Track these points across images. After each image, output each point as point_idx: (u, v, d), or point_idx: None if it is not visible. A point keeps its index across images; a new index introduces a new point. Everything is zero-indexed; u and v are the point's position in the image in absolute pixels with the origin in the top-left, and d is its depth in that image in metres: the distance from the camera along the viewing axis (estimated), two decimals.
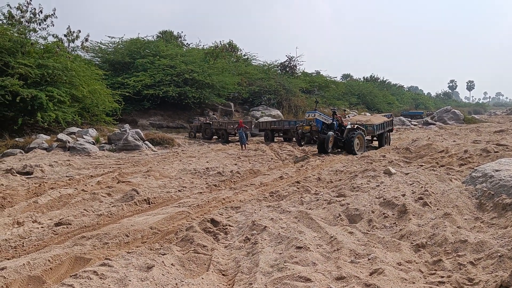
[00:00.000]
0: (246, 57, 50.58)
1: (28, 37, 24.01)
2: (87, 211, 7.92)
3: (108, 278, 4.27)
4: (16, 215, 7.77)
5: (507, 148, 14.05)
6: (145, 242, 6.14)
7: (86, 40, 30.40)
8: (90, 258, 5.22)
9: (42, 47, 24.30)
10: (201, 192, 10.02)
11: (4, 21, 24.29)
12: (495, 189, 6.38)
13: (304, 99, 43.65)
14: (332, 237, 5.37)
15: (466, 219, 5.86)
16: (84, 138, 20.94)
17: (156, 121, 32.41)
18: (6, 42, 21.06)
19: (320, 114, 18.46)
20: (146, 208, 8.45)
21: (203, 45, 44.65)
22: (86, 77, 24.79)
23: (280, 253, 5.00)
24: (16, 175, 12.22)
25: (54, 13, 26.25)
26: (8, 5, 24.43)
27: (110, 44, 35.91)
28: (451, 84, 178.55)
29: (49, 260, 5.10)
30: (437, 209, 6.24)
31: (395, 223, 5.98)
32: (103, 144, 21.19)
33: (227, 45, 47.68)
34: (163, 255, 5.12)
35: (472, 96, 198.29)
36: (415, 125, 43.14)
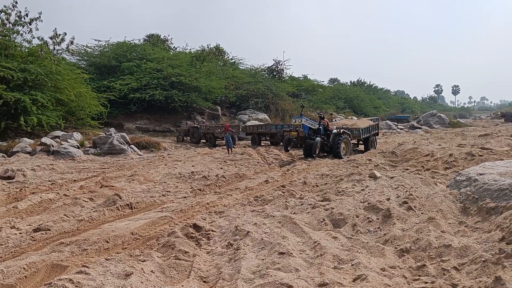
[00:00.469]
0: (233, 61, 50.54)
1: (12, 40, 23.71)
2: (67, 216, 7.75)
3: (84, 287, 4.13)
4: None
5: (491, 151, 14.12)
6: (126, 248, 6.00)
7: (72, 43, 30.08)
8: (67, 265, 5.08)
9: (26, 50, 24.00)
10: (185, 197, 9.88)
11: None
12: (479, 193, 6.35)
13: (291, 103, 43.69)
14: (315, 242, 5.29)
15: (450, 223, 5.82)
16: (68, 142, 20.68)
17: (143, 124, 32.18)
18: None
19: (307, 120, 18.45)
20: (129, 213, 8.30)
21: (190, 49, 44.56)
22: (71, 80, 24.52)
23: (263, 259, 4.91)
24: None
25: (39, 16, 25.95)
26: None
27: (96, 48, 35.70)
28: (436, 88, 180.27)
29: (24, 268, 4.95)
30: (421, 213, 6.20)
31: (379, 227, 5.91)
32: (88, 148, 20.94)
33: (214, 49, 47.60)
34: (143, 261, 5.00)
35: (458, 101, 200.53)
36: (401, 129, 43.40)
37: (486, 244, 4.70)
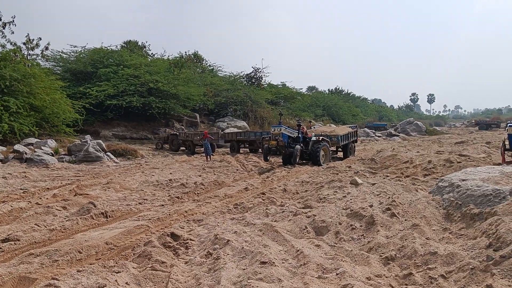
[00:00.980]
0: (211, 68, 50.30)
1: None
2: (38, 226, 7.41)
3: None
4: None
5: (469, 158, 14.22)
6: (99, 258, 5.72)
7: (47, 48, 29.51)
8: (36, 278, 4.78)
9: None
10: (162, 205, 9.61)
11: None
12: (463, 199, 6.27)
13: (270, 111, 43.58)
14: (298, 250, 5.11)
15: (434, 230, 5.71)
16: (42, 150, 20.13)
17: (120, 132, 31.63)
18: None
19: (286, 128, 18.34)
20: (103, 222, 8.00)
21: (168, 56, 44.15)
22: (45, 86, 23.95)
23: (244, 269, 4.71)
24: None
25: (13, 20, 25.39)
26: None
27: (72, 53, 34.99)
28: (412, 97, 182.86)
29: None
30: (405, 220, 6.08)
31: (363, 235, 5.77)
32: (62, 156, 20.42)
33: (192, 56, 47.31)
34: (117, 273, 4.75)
35: (433, 109, 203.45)
36: (379, 136, 43.71)
37: (472, 251, 4.58)
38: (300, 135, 18.36)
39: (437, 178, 11.60)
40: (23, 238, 6.61)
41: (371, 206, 6.71)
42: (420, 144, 27.89)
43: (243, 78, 49.78)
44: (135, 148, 24.58)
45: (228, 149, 27.49)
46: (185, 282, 4.69)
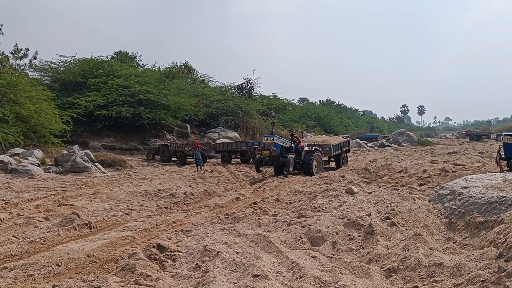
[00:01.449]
0: (203, 78, 50.00)
1: None
2: (17, 237, 6.98)
3: None
4: None
5: (464, 167, 13.98)
6: (80, 272, 5.33)
7: (35, 58, 29.07)
8: None
9: None
10: (150, 215, 9.22)
11: None
12: (466, 207, 5.96)
13: (262, 121, 43.30)
14: (293, 262, 4.75)
15: (437, 239, 5.38)
16: (28, 160, 19.64)
17: (109, 142, 31.10)
18: None
19: (279, 138, 17.95)
20: (87, 233, 7.59)
21: (159, 66, 43.79)
22: (31, 96, 23.49)
23: (235, 283, 4.34)
24: None
25: (0, 29, 24.97)
26: None
27: (61, 63, 34.50)
28: (403, 108, 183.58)
29: None
30: (406, 229, 5.75)
31: (361, 245, 5.42)
32: (49, 166, 19.93)
33: (183, 66, 47.02)
34: None
35: (423, 121, 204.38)
36: (371, 147, 43.56)
37: (481, 262, 4.26)
38: (293, 145, 18.01)
39: (433, 188, 11.36)
40: None
41: (369, 215, 6.37)
42: (413, 155, 27.71)
43: (235, 89, 49.51)
44: (124, 159, 24.11)
45: (219, 159, 27.09)
46: None
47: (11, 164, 18.13)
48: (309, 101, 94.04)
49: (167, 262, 5.48)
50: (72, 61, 34.78)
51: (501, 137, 15.64)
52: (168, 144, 27.66)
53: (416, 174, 13.60)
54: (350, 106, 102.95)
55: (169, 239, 6.56)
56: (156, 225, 7.78)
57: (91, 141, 30.34)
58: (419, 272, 4.29)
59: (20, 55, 27.92)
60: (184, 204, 10.69)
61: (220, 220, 8.18)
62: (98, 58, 35.74)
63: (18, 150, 21.09)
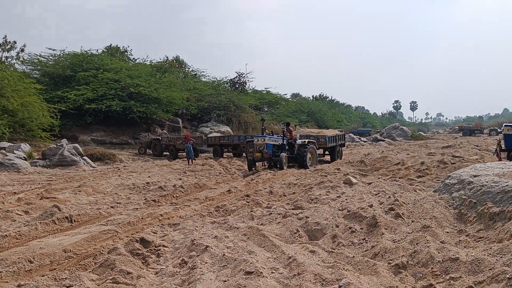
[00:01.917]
0: (194, 73, 49.36)
1: None
2: None
3: None
4: None
5: (463, 159, 13.59)
6: (54, 269, 4.83)
7: (22, 50, 28.35)
8: None
9: None
10: (136, 208, 8.70)
11: None
12: (477, 196, 5.50)
13: (254, 116, 42.78)
14: (290, 257, 4.26)
15: (448, 232, 4.92)
16: (15, 154, 19.09)
17: (99, 136, 30.50)
18: None
19: (270, 137, 17.28)
20: (67, 227, 7.07)
21: (151, 60, 43.11)
22: (18, 89, 22.87)
23: (225, 281, 3.86)
24: None
25: None
26: None
27: (50, 57, 33.79)
28: (395, 104, 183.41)
29: None
30: (412, 221, 5.28)
31: (364, 238, 4.95)
32: (36, 160, 19.39)
33: (174, 61, 46.37)
34: (68, 287, 3.85)
35: (415, 116, 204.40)
36: (364, 141, 43.21)
37: (502, 257, 3.79)
38: (285, 141, 17.35)
39: (433, 179, 10.94)
40: None
41: (371, 206, 5.89)
42: (407, 149, 27.31)
43: (227, 83, 48.91)
44: (114, 153, 23.56)
45: (211, 154, 26.59)
46: None
47: None
48: (302, 96, 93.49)
49: (151, 257, 4.99)
50: (61, 54, 34.12)
51: (502, 128, 15.28)
52: (160, 138, 27.16)
53: (413, 166, 13.19)
54: (343, 101, 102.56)
55: (154, 233, 6.06)
56: (142, 218, 7.27)
57: (81, 135, 29.74)
58: (432, 268, 3.82)
59: (7, 47, 27.16)
60: (173, 197, 10.19)
61: (210, 213, 7.69)
62: (88, 52, 35.09)
63: (5, 144, 20.53)
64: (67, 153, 19.34)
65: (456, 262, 3.79)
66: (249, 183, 12.12)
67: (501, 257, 3.78)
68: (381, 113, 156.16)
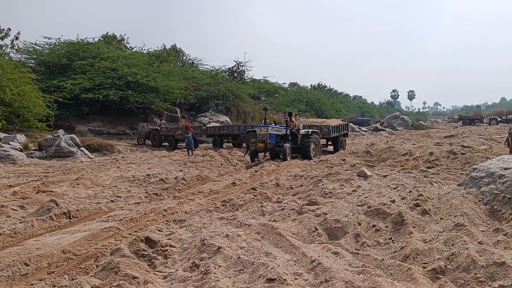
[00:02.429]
0: (192, 61, 48.72)
1: None
2: None
3: None
4: None
5: (473, 149, 13.19)
6: (52, 272, 4.41)
7: (17, 38, 27.72)
8: None
9: None
10: (138, 203, 8.28)
11: None
12: None
13: (253, 105, 42.28)
14: (313, 261, 3.85)
15: (483, 231, 4.51)
16: (10, 145, 18.61)
17: (96, 127, 30.02)
18: None
19: (273, 127, 16.73)
20: (65, 223, 6.65)
21: (148, 49, 42.47)
22: (13, 78, 22.31)
23: None
24: None
25: None
26: None
27: (46, 45, 33.16)
28: (393, 93, 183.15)
29: None
30: (441, 218, 4.86)
31: (391, 238, 4.54)
32: (32, 151, 18.93)
33: (171, 50, 45.72)
34: None
35: (412, 106, 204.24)
36: (365, 131, 42.81)
37: None
38: (288, 131, 16.85)
39: (443, 170, 10.55)
40: None
41: (393, 201, 5.46)
42: (409, 138, 26.91)
43: (225, 72, 48.31)
44: (112, 143, 23.09)
45: (211, 144, 26.17)
46: None
47: None
48: (300, 86, 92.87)
49: (158, 259, 4.58)
50: (57, 43, 33.51)
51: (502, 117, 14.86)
52: (159, 128, 26.73)
53: (422, 157, 12.78)
54: (341, 91, 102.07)
55: (159, 230, 5.64)
56: (145, 214, 6.84)
57: (78, 125, 29.27)
58: (475, 274, 3.41)
59: (1, 35, 26.54)
60: (176, 190, 9.76)
61: (217, 207, 7.27)
62: (84, 40, 34.48)
63: (0, 135, 20.03)
64: (64, 144, 18.89)
65: (503, 267, 3.39)
66: (254, 175, 11.70)
67: None
68: (379, 102, 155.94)
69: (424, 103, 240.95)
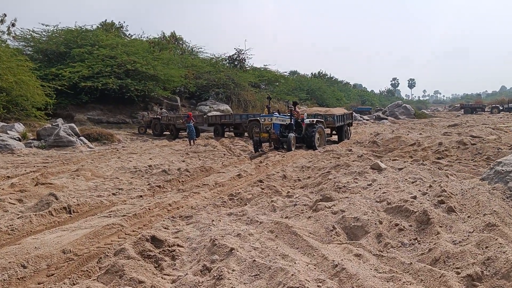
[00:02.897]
0: (192, 49, 48.14)
1: None
2: None
3: None
4: None
5: (483, 140, 12.88)
6: (52, 275, 4.09)
7: (13, 25, 27.20)
8: None
9: None
10: (141, 196, 7.95)
11: None
12: None
13: (254, 94, 41.82)
14: (336, 265, 3.52)
15: None
16: (8, 134, 18.25)
17: (95, 115, 29.64)
18: None
19: (278, 117, 16.22)
20: (66, 219, 6.32)
21: (147, 36, 41.91)
22: (11, 67, 21.90)
23: None
24: None
25: None
26: None
27: (43, 33, 32.63)
28: (393, 82, 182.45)
29: None
30: (468, 216, 4.53)
31: (416, 238, 4.21)
32: (31, 141, 18.60)
33: (171, 37, 45.16)
34: None
35: (412, 94, 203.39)
36: (367, 120, 42.45)
37: None
38: (292, 121, 16.43)
39: (453, 162, 10.23)
40: None
41: (414, 197, 5.11)
42: (413, 127, 26.57)
43: (226, 60, 47.75)
44: (112, 132, 22.74)
45: (212, 133, 25.81)
46: None
47: None
48: (300, 74, 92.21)
49: (165, 261, 4.26)
50: (55, 30, 32.96)
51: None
52: (159, 117, 26.38)
53: (431, 147, 12.46)
54: (341, 79, 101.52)
55: (165, 228, 5.32)
56: (149, 209, 6.51)
57: (77, 114, 28.88)
58: None
59: None
60: (179, 182, 9.43)
61: (225, 202, 6.94)
62: (82, 27, 33.95)
63: None
64: (63, 133, 18.56)
65: None
66: (259, 166, 11.36)
67: None
68: (379, 90, 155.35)
69: (424, 91, 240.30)
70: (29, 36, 31.91)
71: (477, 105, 64.12)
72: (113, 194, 8.20)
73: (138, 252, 4.34)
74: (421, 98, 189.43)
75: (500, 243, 3.58)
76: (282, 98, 46.33)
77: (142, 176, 10.42)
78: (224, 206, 6.67)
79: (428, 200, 5.05)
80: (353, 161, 10.84)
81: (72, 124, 20.97)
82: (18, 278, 3.98)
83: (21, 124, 20.77)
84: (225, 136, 24.40)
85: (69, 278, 3.89)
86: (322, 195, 6.07)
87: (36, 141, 18.68)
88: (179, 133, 25.27)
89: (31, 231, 5.65)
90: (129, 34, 42.99)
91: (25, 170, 11.79)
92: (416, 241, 4.15)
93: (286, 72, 63.46)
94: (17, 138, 18.24)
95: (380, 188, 6.04)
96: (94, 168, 11.48)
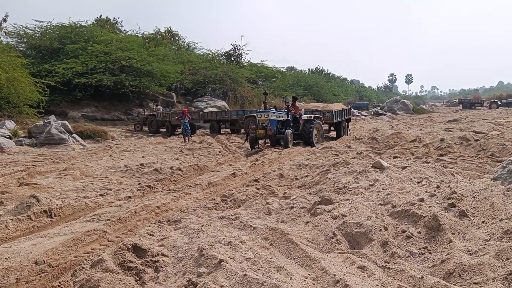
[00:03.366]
0: (187, 45, 47.61)
1: None
2: None
3: None
4: None
5: (486, 135, 12.46)
6: None
7: (5, 20, 26.68)
8: None
9: None
10: (129, 197, 7.51)
11: None
12: None
13: (251, 90, 41.35)
14: (338, 281, 3.09)
15: None
16: None
17: (89, 112, 29.17)
18: None
19: (274, 113, 15.71)
20: (45, 223, 5.88)
21: (143, 32, 41.37)
22: (4, 63, 21.42)
23: None
24: None
25: None
26: None
27: (37, 29, 32.08)
28: (391, 77, 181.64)
29: None
30: (482, 222, 4.10)
31: (426, 247, 3.78)
32: (21, 138, 18.18)
33: (167, 32, 44.62)
34: None
35: (410, 89, 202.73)
36: (365, 115, 42.04)
37: None
38: (290, 117, 15.94)
39: (456, 158, 9.82)
40: None
41: (422, 200, 4.68)
42: (412, 123, 26.13)
43: (222, 56, 47.22)
44: (105, 130, 22.30)
45: (208, 130, 25.35)
46: None
47: None
48: (297, 70, 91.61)
49: (147, 273, 3.82)
50: (49, 26, 32.43)
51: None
52: (155, 114, 25.94)
53: (432, 144, 12.05)
54: (339, 75, 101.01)
55: (150, 235, 4.88)
56: (135, 212, 6.06)
57: (70, 111, 28.42)
58: None
59: None
60: (171, 181, 9.00)
61: (217, 204, 6.50)
62: (77, 23, 33.42)
63: None
64: (54, 131, 18.11)
65: None
66: (255, 164, 10.92)
67: None
68: (377, 86, 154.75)
69: (422, 86, 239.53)
70: (22, 32, 31.41)
71: (476, 100, 63.75)
72: (101, 195, 7.77)
73: (117, 264, 3.91)
74: (418, 94, 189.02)
75: None
76: (280, 94, 45.86)
77: (133, 175, 9.99)
78: (216, 209, 6.23)
79: (437, 203, 4.62)
80: (353, 158, 10.41)
81: (65, 121, 20.51)
82: None
83: (12, 121, 20.33)
84: (221, 132, 23.96)
85: None
86: (321, 197, 5.62)
87: (27, 138, 18.27)
88: (175, 130, 24.83)
89: (6, 238, 5.20)
90: (124, 30, 42.49)
91: (13, 169, 11.37)
92: (426, 250, 3.72)
93: (283, 67, 62.96)
94: (8, 136, 17.81)
95: (383, 189, 5.60)
96: (83, 167, 11.03)
